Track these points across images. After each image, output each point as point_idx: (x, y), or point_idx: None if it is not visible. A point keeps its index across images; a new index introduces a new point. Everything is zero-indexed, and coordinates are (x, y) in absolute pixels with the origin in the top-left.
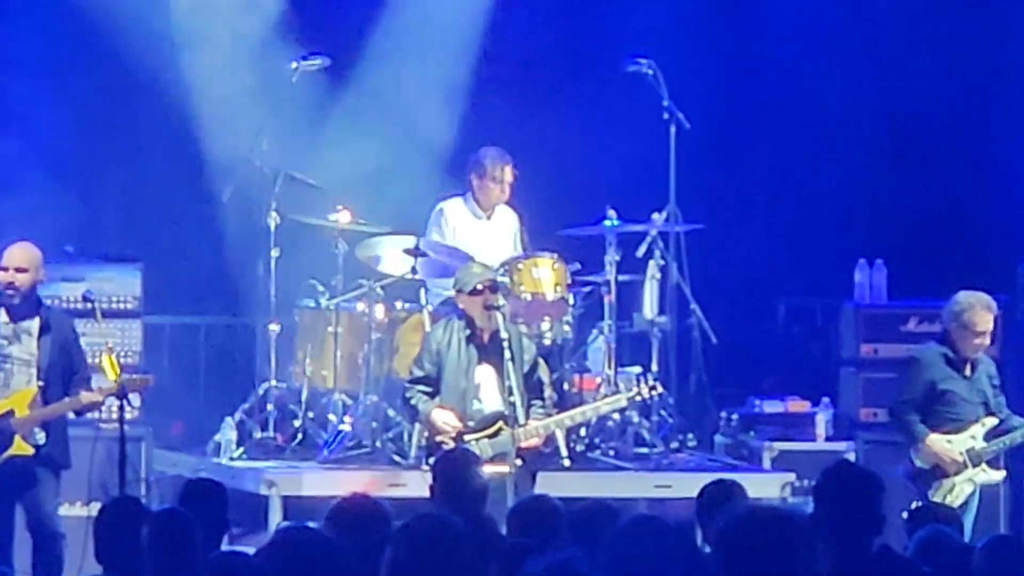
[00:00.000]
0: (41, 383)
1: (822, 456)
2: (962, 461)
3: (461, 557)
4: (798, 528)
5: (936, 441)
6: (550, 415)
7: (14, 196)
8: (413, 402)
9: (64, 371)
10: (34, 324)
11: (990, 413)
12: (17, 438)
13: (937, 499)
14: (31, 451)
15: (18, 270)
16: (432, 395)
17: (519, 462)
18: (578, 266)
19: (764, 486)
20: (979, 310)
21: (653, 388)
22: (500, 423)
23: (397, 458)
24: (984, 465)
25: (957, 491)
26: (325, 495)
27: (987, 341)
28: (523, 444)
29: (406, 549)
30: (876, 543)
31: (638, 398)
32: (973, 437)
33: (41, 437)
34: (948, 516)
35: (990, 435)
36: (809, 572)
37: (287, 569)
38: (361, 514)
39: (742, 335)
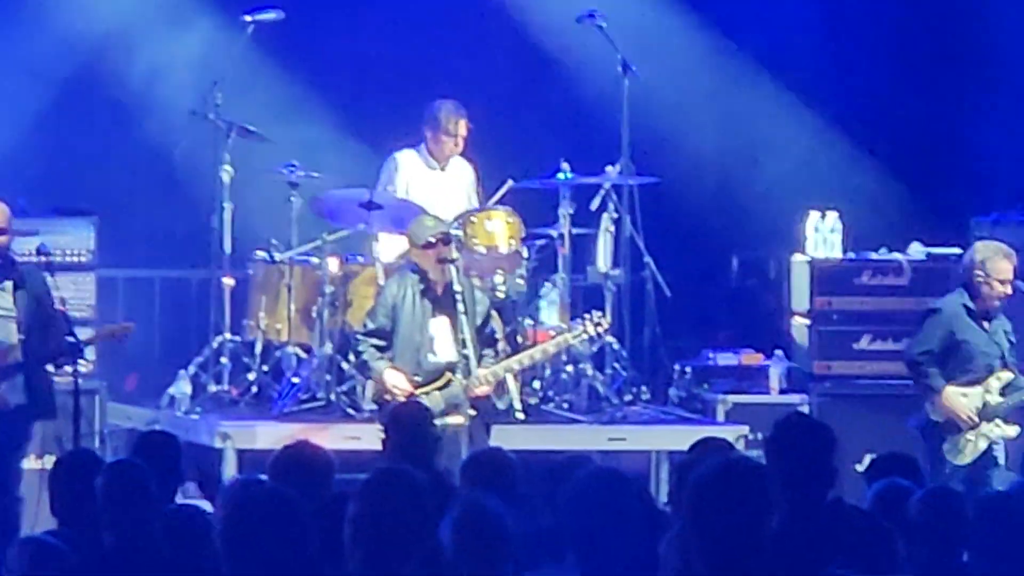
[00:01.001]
0: (22, 336)
1: (776, 409)
2: (976, 417)
3: (424, 511)
4: (765, 481)
5: (952, 395)
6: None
7: None
8: (364, 357)
9: (42, 326)
10: (8, 283)
11: (1005, 367)
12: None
13: (950, 454)
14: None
15: None
16: (384, 349)
17: (472, 412)
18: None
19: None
20: (999, 259)
21: (599, 325)
22: (449, 374)
23: (351, 411)
24: (998, 420)
25: (971, 447)
26: (279, 448)
27: (1008, 290)
28: (474, 393)
29: (370, 504)
30: (829, 496)
31: (584, 335)
32: (988, 391)
33: (16, 398)
34: (907, 468)
35: (1005, 390)
36: (767, 524)
37: (238, 522)
38: (304, 461)
39: (696, 288)
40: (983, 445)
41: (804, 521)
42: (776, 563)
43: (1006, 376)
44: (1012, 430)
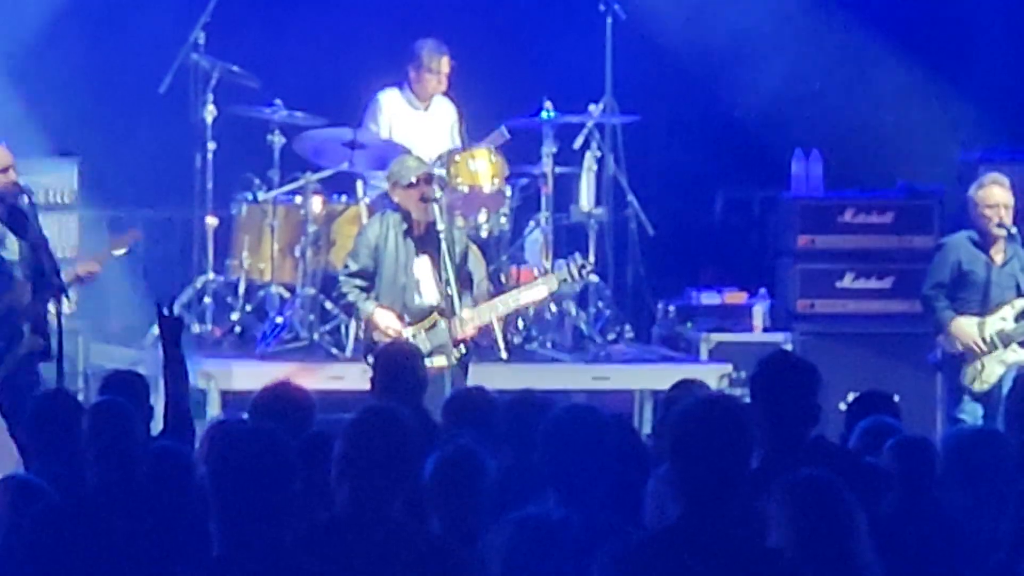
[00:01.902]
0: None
1: (759, 347)
2: (988, 342)
3: (410, 449)
4: (746, 418)
5: (961, 324)
6: (478, 306)
7: None
8: (350, 298)
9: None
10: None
11: (1021, 297)
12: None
13: (968, 382)
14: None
15: (2, 171)
16: (367, 289)
17: (457, 354)
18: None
19: (701, 377)
20: (986, 184)
21: (583, 267)
22: (435, 316)
23: (334, 351)
24: (1015, 345)
25: (987, 372)
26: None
27: (1001, 215)
28: (459, 335)
29: (357, 442)
30: (811, 433)
31: (568, 279)
32: (1003, 319)
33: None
34: (887, 406)
35: (1021, 316)
36: (748, 461)
37: (224, 461)
38: (285, 401)
39: (679, 226)
40: (1001, 370)
41: (786, 459)
42: (757, 501)
43: (1021, 304)
44: None
